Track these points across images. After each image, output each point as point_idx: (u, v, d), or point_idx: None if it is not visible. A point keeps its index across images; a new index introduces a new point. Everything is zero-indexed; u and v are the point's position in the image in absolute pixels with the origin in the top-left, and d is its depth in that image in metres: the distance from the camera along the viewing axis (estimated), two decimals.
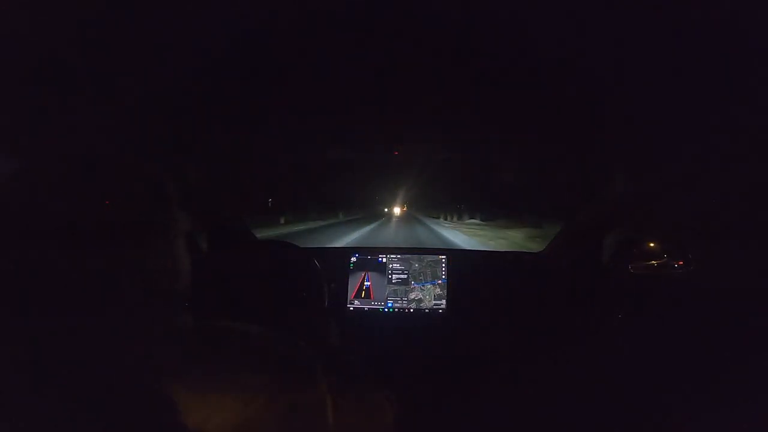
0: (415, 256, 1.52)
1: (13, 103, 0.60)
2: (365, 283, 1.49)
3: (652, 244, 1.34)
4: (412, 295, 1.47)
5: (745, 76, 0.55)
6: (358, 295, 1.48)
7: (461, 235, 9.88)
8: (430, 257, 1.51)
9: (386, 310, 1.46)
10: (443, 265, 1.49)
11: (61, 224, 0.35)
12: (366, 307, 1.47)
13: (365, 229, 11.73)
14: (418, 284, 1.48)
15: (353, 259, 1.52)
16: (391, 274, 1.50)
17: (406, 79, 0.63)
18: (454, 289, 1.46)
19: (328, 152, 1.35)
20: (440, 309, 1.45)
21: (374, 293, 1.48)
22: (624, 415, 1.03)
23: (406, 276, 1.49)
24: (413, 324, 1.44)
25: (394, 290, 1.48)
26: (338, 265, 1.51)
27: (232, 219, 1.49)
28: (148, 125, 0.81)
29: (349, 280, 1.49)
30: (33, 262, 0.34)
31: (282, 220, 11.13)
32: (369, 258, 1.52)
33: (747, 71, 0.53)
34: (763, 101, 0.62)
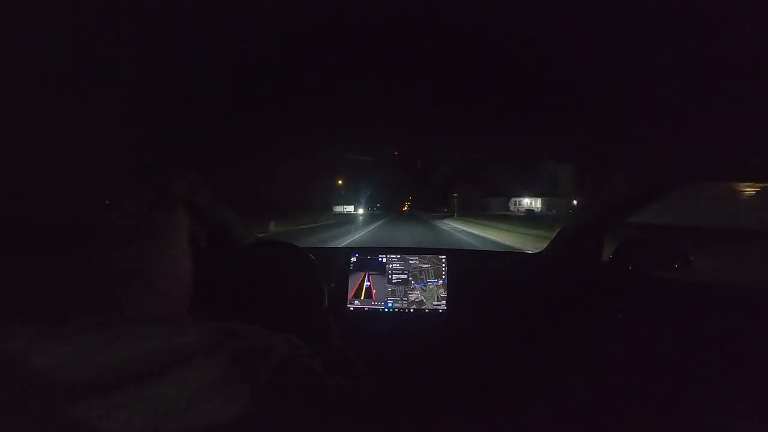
0: (415, 256, 1.52)
1: (13, 103, 0.60)
2: (365, 283, 1.49)
3: (651, 244, 1.34)
4: (412, 296, 1.47)
5: (746, 77, 0.55)
6: (357, 295, 1.48)
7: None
8: (430, 257, 1.51)
9: (386, 310, 1.46)
10: (443, 265, 1.49)
11: (61, 225, 0.35)
12: (366, 307, 1.47)
13: None
14: (418, 284, 1.48)
15: (353, 259, 1.52)
16: (391, 274, 1.50)
17: (401, 82, 0.64)
18: (454, 289, 1.46)
19: (328, 154, 1.35)
20: (440, 309, 1.45)
21: (374, 293, 1.48)
22: (624, 415, 1.03)
23: (406, 276, 1.49)
24: (413, 324, 1.44)
25: (394, 290, 1.48)
26: (338, 265, 1.51)
27: (231, 219, 1.49)
28: (149, 126, 0.81)
29: (349, 280, 1.49)
30: (32, 263, 0.34)
31: None
32: (369, 258, 1.52)
33: (749, 72, 0.53)
34: (763, 103, 0.62)
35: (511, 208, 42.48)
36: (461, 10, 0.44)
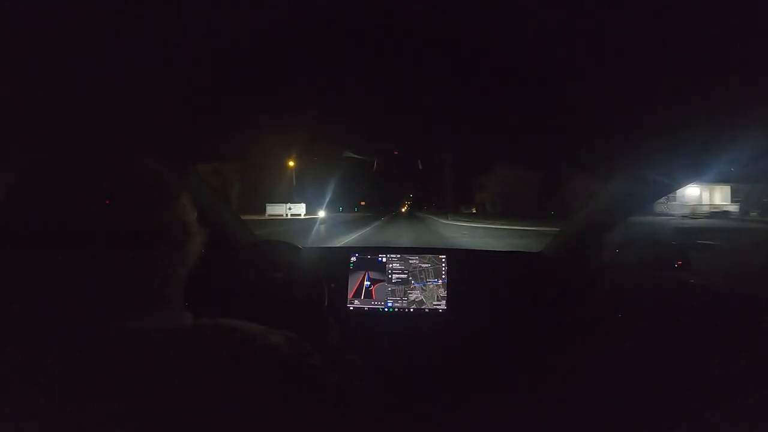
0: (415, 256, 1.52)
1: (16, 104, 0.60)
2: (365, 283, 1.49)
3: (651, 244, 1.34)
4: (412, 295, 1.47)
5: (746, 80, 0.55)
6: (357, 295, 1.48)
7: None
8: (430, 257, 1.51)
9: (386, 309, 1.46)
10: (443, 264, 1.49)
11: (64, 225, 0.35)
12: (366, 307, 1.47)
13: None
14: (418, 284, 1.48)
15: (353, 258, 1.52)
16: (391, 273, 1.50)
17: (398, 82, 0.64)
18: (454, 288, 1.46)
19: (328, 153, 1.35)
20: (440, 309, 1.45)
21: (374, 293, 1.48)
22: (624, 415, 1.03)
23: (406, 275, 1.49)
24: (413, 324, 1.44)
25: (394, 290, 1.48)
26: (338, 264, 1.51)
27: (232, 219, 1.49)
28: (149, 125, 0.81)
29: (349, 279, 1.49)
30: (36, 263, 0.34)
31: None
32: (369, 258, 1.52)
33: (749, 75, 0.53)
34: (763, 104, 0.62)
35: (660, 207, 19.48)
36: (460, 12, 0.44)
